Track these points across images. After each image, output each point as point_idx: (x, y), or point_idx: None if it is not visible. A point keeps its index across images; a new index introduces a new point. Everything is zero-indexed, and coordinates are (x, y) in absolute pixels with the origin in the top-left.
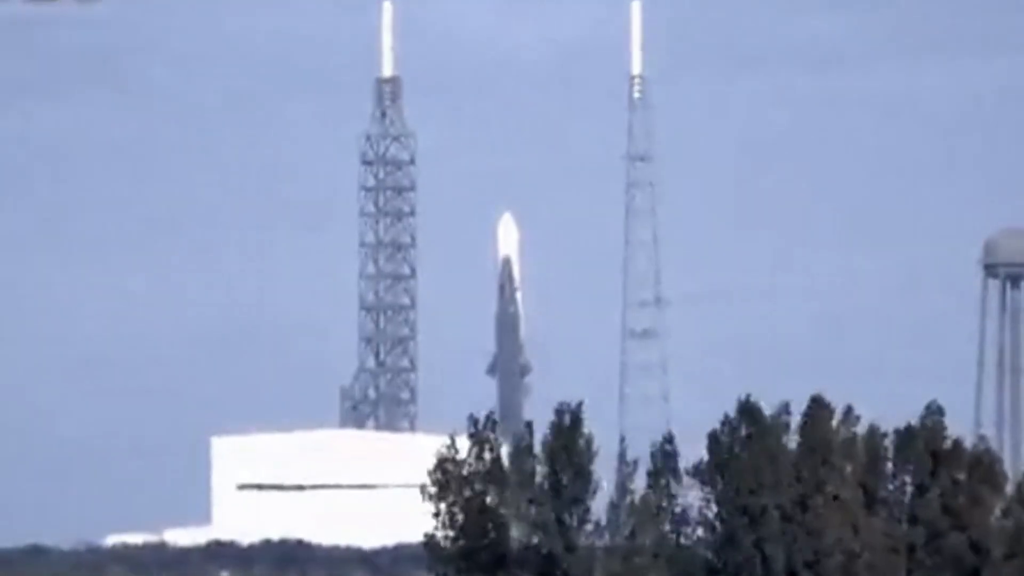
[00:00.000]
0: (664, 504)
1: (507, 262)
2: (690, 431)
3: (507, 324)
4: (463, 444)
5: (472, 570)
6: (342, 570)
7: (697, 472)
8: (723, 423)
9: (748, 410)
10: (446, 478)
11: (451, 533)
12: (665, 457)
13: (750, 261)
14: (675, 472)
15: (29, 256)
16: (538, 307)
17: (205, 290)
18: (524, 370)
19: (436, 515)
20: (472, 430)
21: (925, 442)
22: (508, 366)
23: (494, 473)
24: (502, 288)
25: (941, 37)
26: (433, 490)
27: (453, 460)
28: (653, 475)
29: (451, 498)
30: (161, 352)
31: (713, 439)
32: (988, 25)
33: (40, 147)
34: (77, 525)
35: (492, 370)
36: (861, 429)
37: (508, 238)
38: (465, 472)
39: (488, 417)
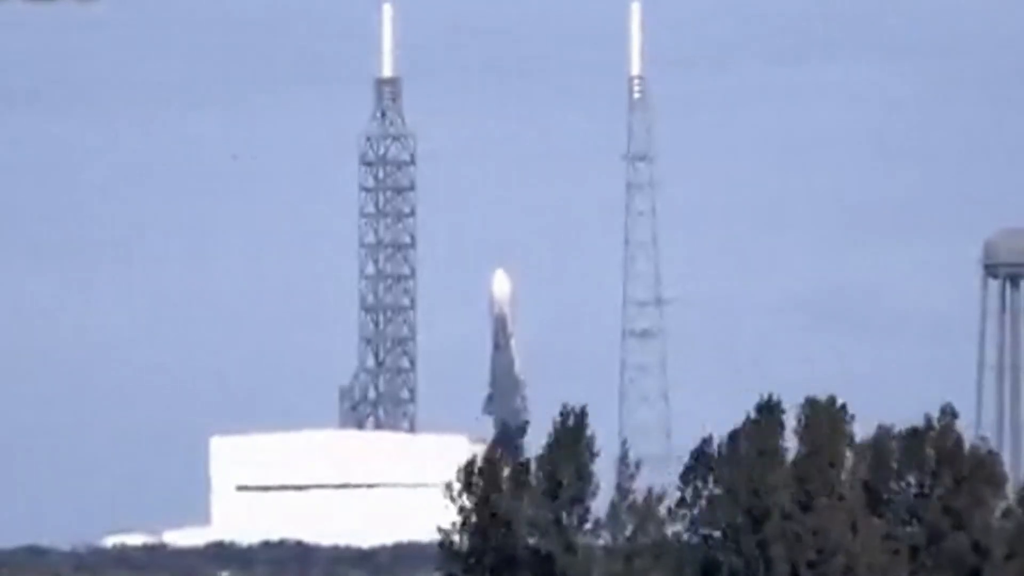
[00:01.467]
0: (691, 503)
1: (501, 318)
2: (689, 431)
3: (502, 372)
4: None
5: (479, 570)
6: (342, 570)
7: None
8: (745, 423)
9: (768, 409)
10: (471, 479)
11: (465, 533)
12: (700, 458)
13: (749, 261)
14: (706, 474)
15: (30, 256)
16: (539, 306)
17: (205, 290)
18: (520, 411)
19: (461, 510)
20: (500, 433)
21: (933, 444)
22: (504, 404)
23: (515, 476)
24: (496, 344)
25: (942, 37)
26: (457, 488)
27: (488, 461)
28: (685, 474)
29: (471, 499)
30: (161, 352)
31: (731, 439)
32: (989, 25)
33: (44, 145)
34: (77, 525)
35: (487, 411)
36: (860, 430)
37: (501, 292)
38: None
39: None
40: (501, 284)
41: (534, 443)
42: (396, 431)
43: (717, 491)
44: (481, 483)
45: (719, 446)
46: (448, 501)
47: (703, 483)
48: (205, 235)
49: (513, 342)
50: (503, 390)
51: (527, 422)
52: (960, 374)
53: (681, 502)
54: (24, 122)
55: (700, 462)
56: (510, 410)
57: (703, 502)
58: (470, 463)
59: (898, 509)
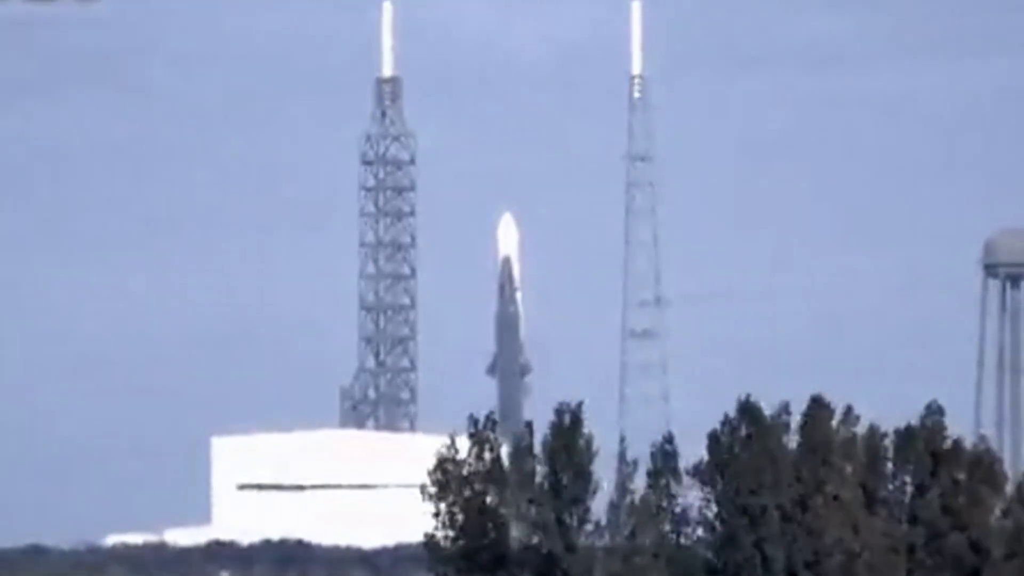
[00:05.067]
0: (664, 504)
1: (507, 262)
2: (690, 431)
3: (507, 324)
4: (463, 444)
5: (472, 570)
6: (342, 570)
7: (697, 472)
8: (723, 423)
9: (748, 410)
10: (446, 478)
11: (451, 533)
12: (665, 457)
13: (750, 261)
14: (675, 472)
15: (29, 256)
16: (538, 306)
17: (205, 290)
18: (524, 370)
19: (436, 515)
20: (472, 430)
21: (925, 442)
22: (508, 366)
23: (494, 473)
24: (502, 288)
25: (941, 37)
26: (433, 490)
27: (453, 460)
28: (653, 475)
29: (451, 498)
30: (161, 352)
31: (713, 439)
32: (988, 25)
33: (40, 147)
34: (77, 525)
35: (492, 370)
36: (860, 429)
37: (508, 238)
38: (465, 472)
39: (488, 417)
40: (507, 228)
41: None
42: (396, 431)
43: (694, 492)
44: (457, 482)
45: (709, 447)
46: (428, 501)
47: (675, 483)
48: (206, 235)
49: (519, 296)
50: (508, 352)
51: (493, 419)
52: (960, 374)
53: (659, 507)
54: (24, 122)
55: (666, 463)
56: (514, 372)
57: (701, 503)
58: (441, 462)
59: (895, 508)
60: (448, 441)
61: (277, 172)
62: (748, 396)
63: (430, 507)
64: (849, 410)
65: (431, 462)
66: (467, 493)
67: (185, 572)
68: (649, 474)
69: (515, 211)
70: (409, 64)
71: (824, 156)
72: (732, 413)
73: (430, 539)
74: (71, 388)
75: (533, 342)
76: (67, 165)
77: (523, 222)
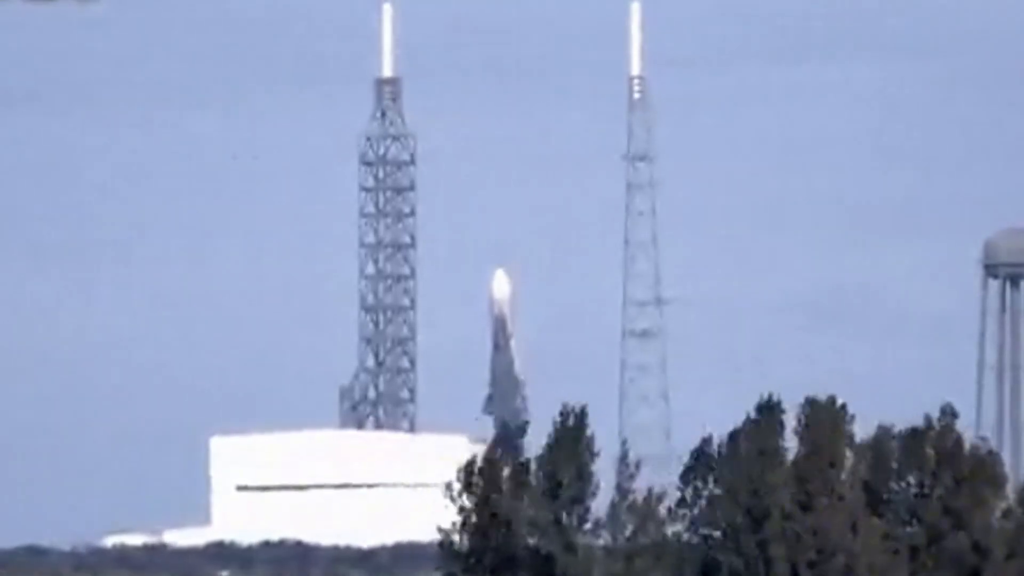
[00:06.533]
0: (691, 503)
1: (501, 317)
2: (689, 431)
3: (502, 373)
4: (479, 448)
5: (478, 570)
6: (342, 570)
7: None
8: (743, 424)
9: (768, 409)
10: (470, 479)
11: (465, 533)
12: (700, 458)
13: (750, 261)
14: (706, 473)
15: (29, 256)
16: (538, 308)
17: (205, 290)
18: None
19: (461, 511)
20: (500, 434)
21: (933, 443)
22: (504, 405)
23: (515, 476)
24: (496, 344)
25: (941, 35)
26: (458, 487)
27: (488, 461)
28: (685, 474)
29: (471, 499)
30: (161, 352)
31: (731, 439)
32: (989, 24)
33: (44, 145)
34: (77, 525)
35: (487, 411)
36: (861, 430)
37: (501, 293)
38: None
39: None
40: (501, 284)
41: (534, 443)
42: (396, 431)
43: (717, 491)
44: (481, 483)
45: (719, 446)
46: (448, 501)
47: (703, 483)
48: (205, 235)
49: (513, 342)
50: (503, 390)
51: (527, 422)
52: (960, 374)
53: (681, 502)
54: (24, 122)
55: (700, 462)
56: (510, 410)
57: (703, 502)
58: (470, 463)
59: (898, 509)
60: (465, 442)
61: (277, 172)
62: (770, 396)
63: (443, 506)
64: (844, 409)
65: (431, 462)
66: (483, 494)
67: (185, 572)
68: (683, 474)
69: (509, 266)
70: (409, 64)
71: (824, 155)
72: (731, 413)
73: (444, 537)
74: (70, 389)
75: (531, 343)
76: (69, 165)
77: (523, 222)
